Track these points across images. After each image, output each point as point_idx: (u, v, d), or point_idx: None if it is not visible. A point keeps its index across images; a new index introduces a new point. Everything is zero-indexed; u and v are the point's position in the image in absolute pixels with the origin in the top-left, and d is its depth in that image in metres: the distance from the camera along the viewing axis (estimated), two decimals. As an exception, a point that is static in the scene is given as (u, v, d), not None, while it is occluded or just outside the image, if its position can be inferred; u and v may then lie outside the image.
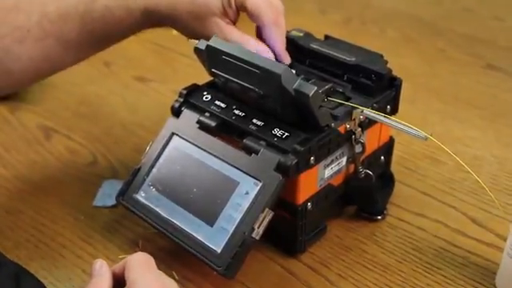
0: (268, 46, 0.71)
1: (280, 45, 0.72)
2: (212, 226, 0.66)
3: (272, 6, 0.70)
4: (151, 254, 0.55)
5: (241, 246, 0.63)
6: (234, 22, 0.72)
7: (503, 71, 1.13)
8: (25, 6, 0.70)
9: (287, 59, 0.73)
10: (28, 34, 0.70)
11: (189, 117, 0.72)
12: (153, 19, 0.72)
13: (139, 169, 0.73)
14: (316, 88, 0.62)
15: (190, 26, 0.71)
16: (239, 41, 0.70)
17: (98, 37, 0.73)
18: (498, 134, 0.95)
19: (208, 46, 0.68)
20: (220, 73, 0.69)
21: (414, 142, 0.88)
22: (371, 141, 0.75)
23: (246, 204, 0.64)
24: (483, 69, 1.15)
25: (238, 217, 0.64)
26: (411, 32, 1.29)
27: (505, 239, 0.69)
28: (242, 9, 0.71)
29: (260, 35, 0.73)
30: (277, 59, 0.72)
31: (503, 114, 1.00)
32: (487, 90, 1.08)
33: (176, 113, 0.74)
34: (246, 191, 0.65)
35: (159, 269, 0.55)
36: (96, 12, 0.70)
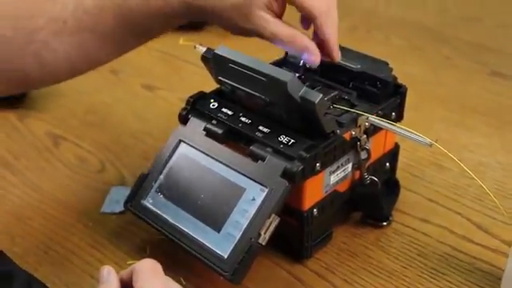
0: (322, 39, 0.68)
1: (333, 38, 0.68)
2: (219, 232, 0.66)
3: None
4: (159, 259, 0.55)
5: (247, 252, 0.64)
6: (279, 16, 0.68)
7: (509, 78, 1.13)
8: None
9: (338, 56, 0.70)
10: (64, 26, 0.68)
11: (196, 124, 0.73)
12: (192, 11, 0.69)
13: (147, 175, 0.73)
14: (322, 95, 0.63)
15: (234, 20, 0.68)
16: (286, 34, 0.66)
17: (135, 29, 0.71)
18: (504, 141, 0.95)
19: (215, 55, 0.69)
20: (227, 80, 0.70)
21: (419, 148, 0.89)
22: (376, 147, 0.75)
23: (252, 210, 0.65)
24: (489, 76, 1.15)
25: (245, 223, 0.65)
26: (416, 40, 1.29)
27: (510, 245, 0.69)
28: (289, 1, 0.68)
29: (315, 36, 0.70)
30: (327, 55, 0.69)
31: (509, 121, 1.00)
32: (493, 97, 1.08)
33: (183, 120, 0.74)
34: (253, 197, 0.66)
35: (166, 274, 0.55)
36: (132, 2, 0.69)
